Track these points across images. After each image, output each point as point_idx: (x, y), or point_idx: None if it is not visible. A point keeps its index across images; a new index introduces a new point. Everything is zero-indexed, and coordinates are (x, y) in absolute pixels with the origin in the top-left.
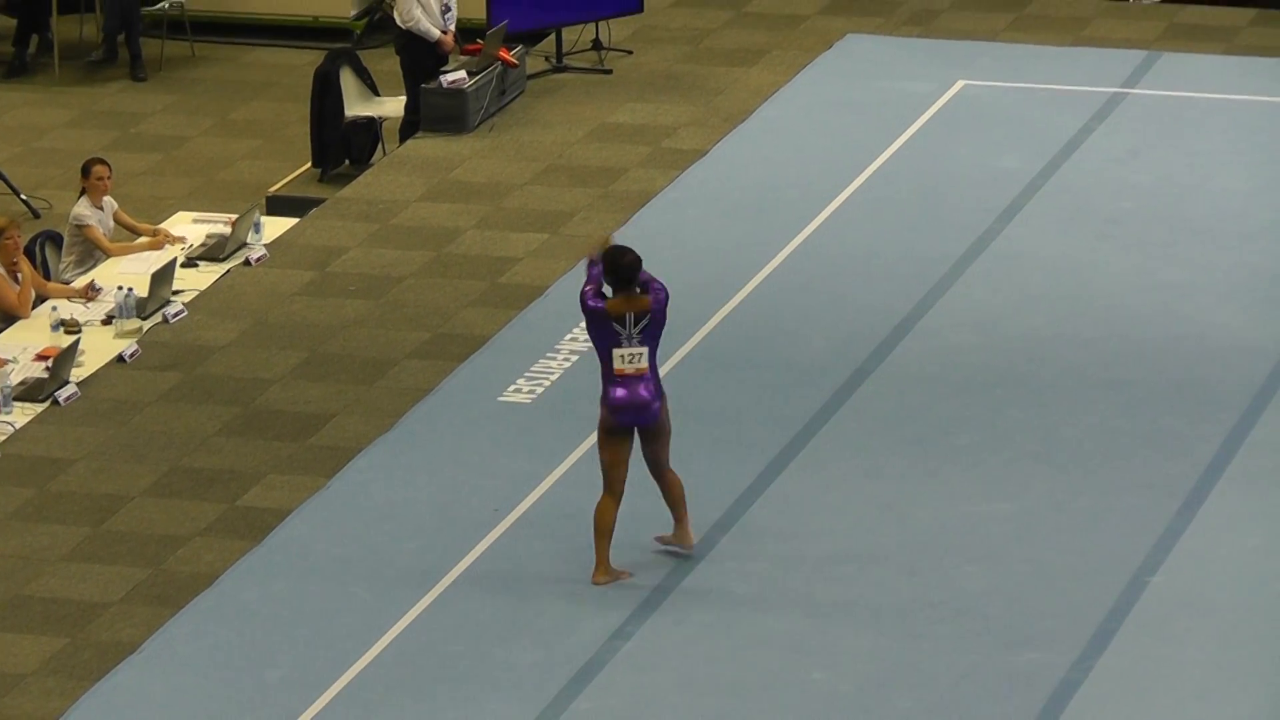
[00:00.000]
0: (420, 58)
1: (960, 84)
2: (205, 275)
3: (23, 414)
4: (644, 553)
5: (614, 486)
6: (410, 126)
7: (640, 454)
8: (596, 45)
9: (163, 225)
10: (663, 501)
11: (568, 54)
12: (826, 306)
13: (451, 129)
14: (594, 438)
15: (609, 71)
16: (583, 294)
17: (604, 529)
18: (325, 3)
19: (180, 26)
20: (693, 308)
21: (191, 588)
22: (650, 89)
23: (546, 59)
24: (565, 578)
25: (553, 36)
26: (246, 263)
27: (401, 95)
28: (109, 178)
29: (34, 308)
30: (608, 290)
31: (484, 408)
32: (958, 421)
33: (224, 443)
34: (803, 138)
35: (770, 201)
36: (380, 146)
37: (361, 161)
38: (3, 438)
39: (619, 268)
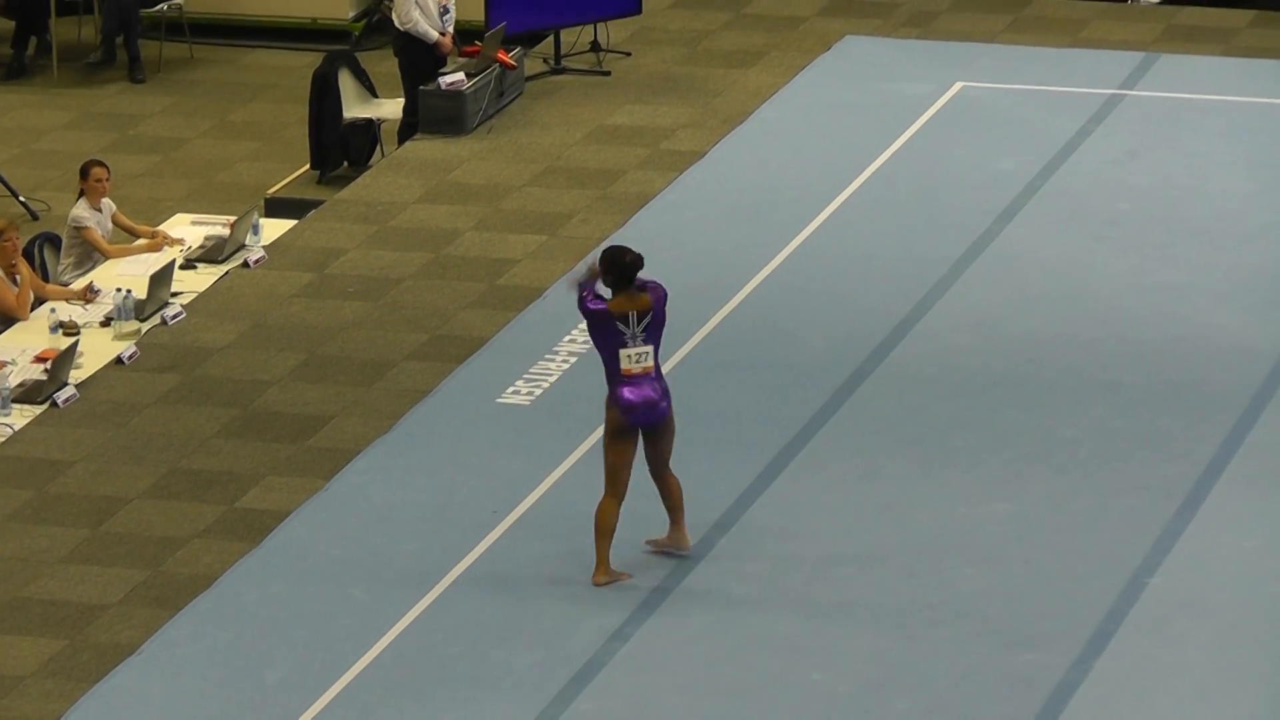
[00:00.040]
0: (419, 59)
1: (958, 85)
2: (204, 277)
3: (21, 416)
4: (643, 554)
5: (618, 488)
6: (409, 128)
7: (640, 455)
8: (595, 47)
9: (161, 227)
10: (660, 503)
11: (566, 56)
12: (825, 308)
13: (450, 131)
14: (592, 439)
15: (607, 73)
16: (581, 300)
17: (606, 529)
18: (324, 5)
19: (179, 28)
20: (691, 309)
21: (190, 589)
22: (649, 91)
23: (545, 61)
24: (564, 579)
25: (551, 38)
26: (245, 264)
27: (400, 97)
28: (107, 179)
29: (33, 309)
30: (604, 293)
31: (482, 409)
32: (956, 422)
33: (223, 444)
34: (801, 139)
35: (769, 203)
36: (379, 148)
37: (360, 163)
38: (1, 439)
39: (621, 266)
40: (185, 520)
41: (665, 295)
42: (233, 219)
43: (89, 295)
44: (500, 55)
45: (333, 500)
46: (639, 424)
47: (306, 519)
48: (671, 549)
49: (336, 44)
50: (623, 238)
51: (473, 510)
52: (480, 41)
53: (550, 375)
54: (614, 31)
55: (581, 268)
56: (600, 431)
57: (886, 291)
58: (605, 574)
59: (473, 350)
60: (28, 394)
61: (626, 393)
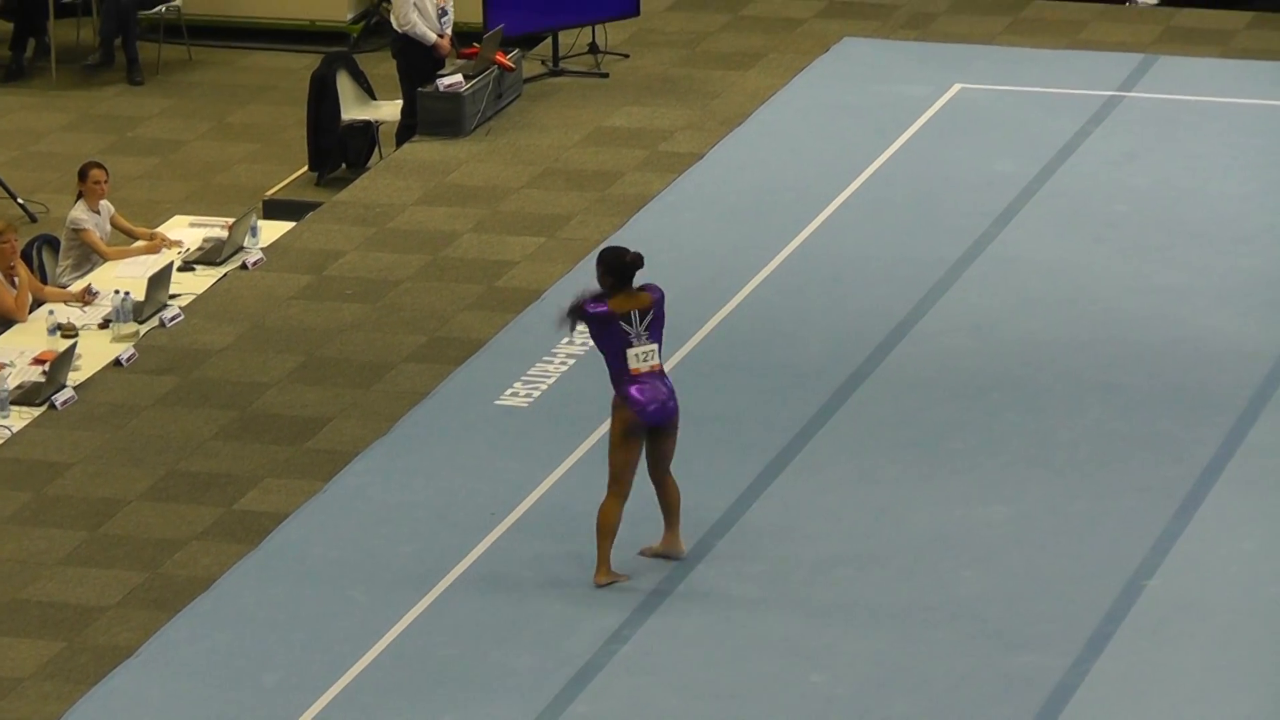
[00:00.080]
0: (417, 61)
1: (957, 87)
2: (202, 279)
3: (20, 418)
4: (640, 556)
5: (624, 488)
6: (407, 130)
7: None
8: (593, 49)
9: (159, 229)
10: (657, 505)
11: (564, 58)
12: (823, 310)
13: (448, 132)
14: (590, 441)
15: (605, 75)
16: (582, 307)
17: (609, 530)
18: (322, 6)
19: (177, 30)
20: (690, 311)
21: (188, 591)
22: (647, 92)
23: (543, 63)
24: (562, 581)
25: (549, 40)
26: (243, 266)
27: (398, 99)
28: (106, 181)
29: (31, 311)
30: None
31: (481, 411)
32: (954, 425)
33: (221, 446)
34: (799, 141)
35: (767, 205)
36: (377, 150)
37: (358, 165)
38: (0, 441)
39: (622, 266)
40: (183, 522)
41: (663, 294)
42: (231, 221)
43: (87, 297)
44: (498, 57)
45: (331, 502)
46: (651, 422)
47: (305, 521)
48: (666, 555)
49: (335, 46)
50: (621, 239)
51: (471, 512)
52: (478, 43)
53: (548, 377)
54: (612, 33)
55: (566, 307)
56: (598, 433)
57: (885, 293)
58: (607, 575)
59: (471, 352)
60: (26, 396)
61: (636, 392)
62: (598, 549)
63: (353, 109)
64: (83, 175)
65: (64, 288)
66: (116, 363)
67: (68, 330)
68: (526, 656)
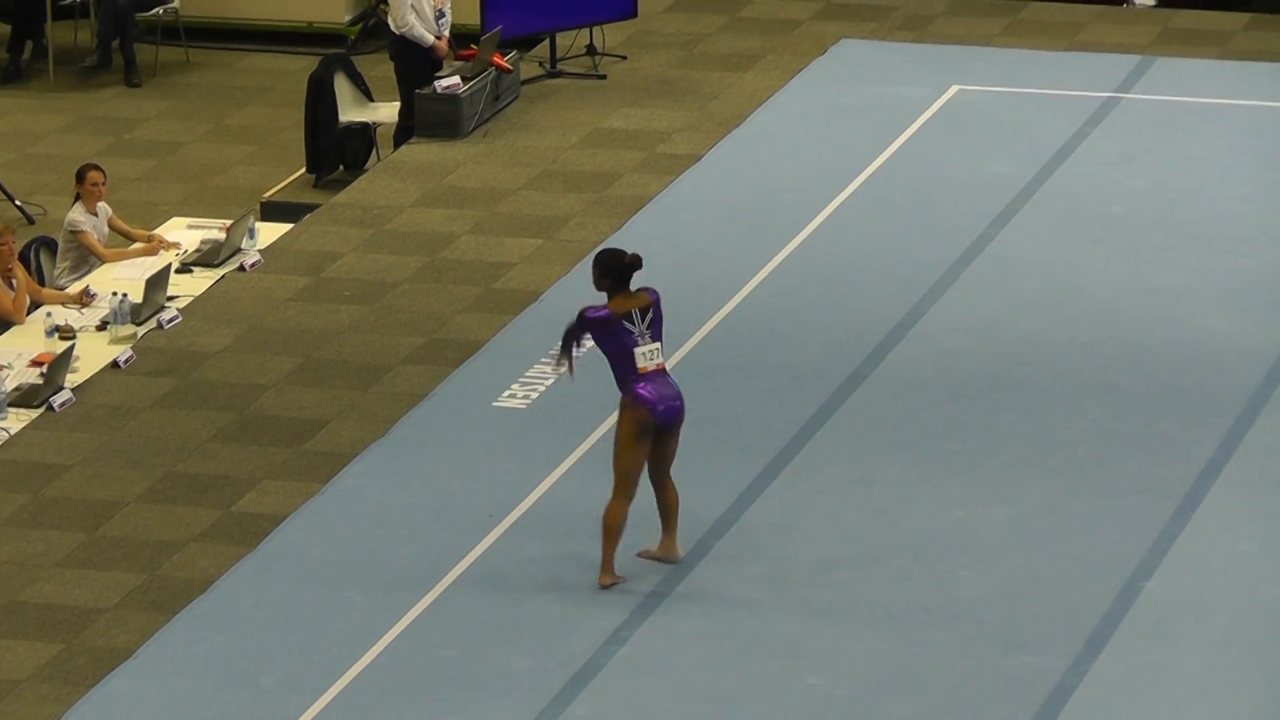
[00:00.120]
0: (414, 63)
1: (954, 89)
2: (200, 281)
3: (17, 420)
4: (638, 558)
5: (631, 490)
6: (404, 132)
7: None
8: (591, 51)
9: (157, 231)
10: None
11: (562, 59)
12: (821, 311)
13: (446, 134)
14: (589, 442)
15: (603, 77)
16: (582, 315)
17: (615, 531)
18: (319, 8)
19: (174, 32)
20: (688, 312)
21: (186, 593)
22: (644, 94)
23: (540, 64)
24: (561, 582)
25: (547, 42)
26: (241, 268)
27: (396, 101)
28: (103, 183)
29: (29, 313)
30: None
31: (478, 413)
32: (952, 426)
33: (219, 448)
34: (797, 143)
35: (765, 206)
36: (374, 152)
37: (356, 167)
38: None
39: (621, 267)
40: (181, 524)
41: (659, 295)
42: (229, 223)
43: (85, 299)
44: (496, 59)
45: (329, 504)
46: (666, 420)
47: (303, 522)
48: (662, 559)
49: (332, 48)
50: (619, 241)
51: (469, 513)
52: (476, 45)
53: (546, 379)
54: (610, 35)
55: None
56: (596, 434)
57: (883, 294)
58: (610, 576)
59: (469, 354)
60: (24, 398)
61: (644, 391)
62: (602, 551)
63: (350, 111)
64: (80, 177)
65: (62, 290)
66: (114, 364)
67: (65, 332)
68: (525, 658)
